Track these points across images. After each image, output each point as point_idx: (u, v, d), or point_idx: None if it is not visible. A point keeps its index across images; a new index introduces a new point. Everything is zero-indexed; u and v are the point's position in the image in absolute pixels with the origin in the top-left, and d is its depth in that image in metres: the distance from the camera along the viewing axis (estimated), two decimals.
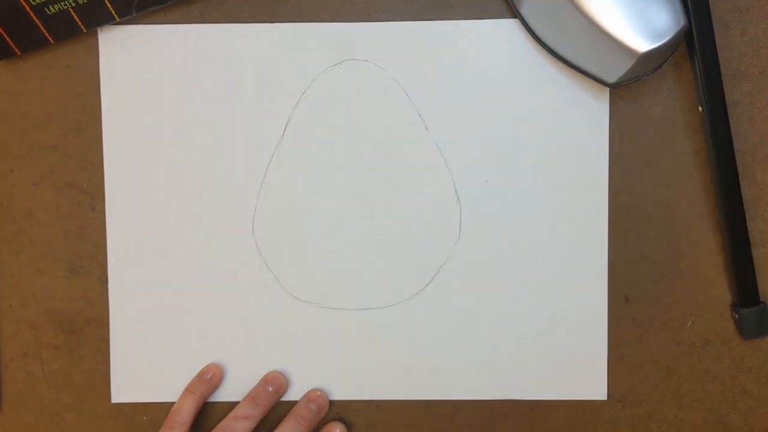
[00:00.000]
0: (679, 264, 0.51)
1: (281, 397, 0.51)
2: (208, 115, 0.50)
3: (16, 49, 0.49)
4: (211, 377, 0.51)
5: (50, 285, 0.51)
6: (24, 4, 0.47)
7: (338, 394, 0.51)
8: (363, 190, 0.50)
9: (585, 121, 0.50)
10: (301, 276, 0.51)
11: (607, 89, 0.50)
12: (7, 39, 0.48)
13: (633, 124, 0.50)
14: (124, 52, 0.50)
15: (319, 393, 0.51)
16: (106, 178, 0.51)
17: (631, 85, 0.48)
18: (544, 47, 0.49)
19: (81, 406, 0.52)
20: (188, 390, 0.50)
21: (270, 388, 0.50)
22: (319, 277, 0.51)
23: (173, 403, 0.50)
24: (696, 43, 0.47)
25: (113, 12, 0.48)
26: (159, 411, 0.51)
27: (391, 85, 0.50)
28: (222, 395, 0.51)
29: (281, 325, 0.51)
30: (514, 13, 0.49)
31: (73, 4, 0.47)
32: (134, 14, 0.49)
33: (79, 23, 0.48)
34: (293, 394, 0.51)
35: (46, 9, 0.47)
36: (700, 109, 0.48)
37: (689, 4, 0.46)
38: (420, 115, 0.50)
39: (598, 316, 0.51)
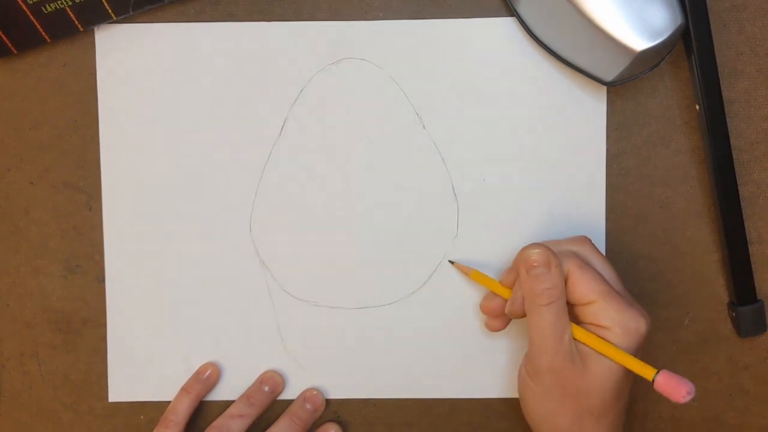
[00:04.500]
0: (676, 262, 0.51)
1: (277, 396, 0.51)
2: (204, 113, 0.50)
3: (13, 48, 0.49)
4: (207, 376, 0.51)
5: (47, 284, 0.51)
6: (21, 2, 0.46)
7: (335, 392, 0.51)
8: (360, 189, 0.50)
9: (582, 120, 0.50)
10: (298, 274, 0.51)
11: (605, 87, 0.50)
12: (4, 38, 0.48)
13: (630, 122, 0.50)
14: (121, 50, 0.50)
15: (315, 392, 0.51)
16: (103, 177, 0.51)
17: (628, 83, 0.48)
18: (541, 46, 0.49)
19: (78, 405, 0.52)
20: (184, 389, 0.50)
21: (266, 388, 0.50)
22: (315, 276, 0.51)
23: (170, 402, 0.50)
24: (693, 42, 0.47)
25: (110, 11, 0.48)
26: (156, 410, 0.51)
27: (388, 83, 0.50)
28: (218, 394, 0.51)
29: (278, 324, 0.51)
30: (512, 11, 0.49)
31: (70, 3, 0.47)
32: (131, 13, 0.49)
33: (76, 22, 0.48)
34: (290, 393, 0.51)
35: (43, 8, 0.47)
36: (697, 107, 0.48)
37: (686, 2, 0.46)
38: (417, 114, 0.50)
39: None
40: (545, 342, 0.43)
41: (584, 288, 0.43)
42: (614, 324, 0.42)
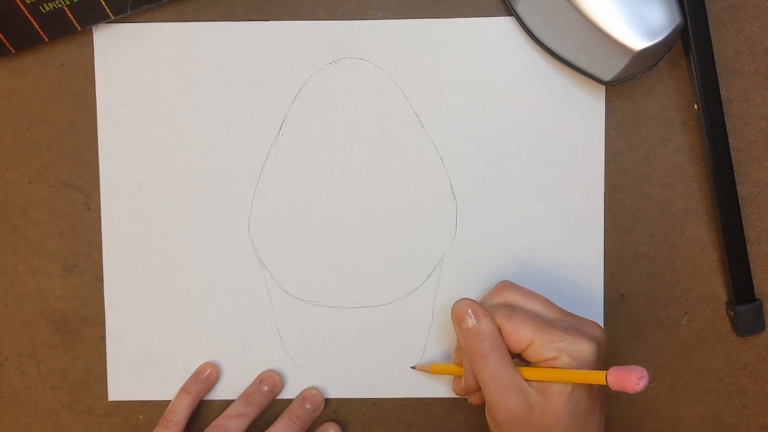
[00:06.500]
0: (675, 261, 0.51)
1: (276, 396, 0.51)
2: (203, 113, 0.50)
3: (11, 48, 0.48)
4: (206, 376, 0.51)
5: (45, 284, 0.51)
6: (19, 2, 0.46)
7: (334, 392, 0.51)
8: (359, 188, 0.50)
9: (581, 119, 0.50)
10: (297, 274, 0.51)
11: (603, 87, 0.50)
12: (2, 37, 0.48)
13: (628, 121, 0.50)
14: (119, 50, 0.50)
15: (314, 392, 0.51)
16: (101, 177, 0.51)
17: (626, 82, 0.48)
18: (539, 45, 0.49)
19: (77, 405, 0.52)
20: (183, 389, 0.50)
21: (264, 388, 0.50)
22: (314, 275, 0.51)
23: (170, 401, 0.50)
24: (691, 41, 0.47)
25: (108, 10, 0.48)
26: (155, 409, 0.51)
27: (386, 83, 0.50)
28: (217, 393, 0.51)
29: (277, 324, 0.51)
30: (510, 11, 0.49)
31: (68, 3, 0.47)
32: (129, 12, 0.48)
33: (74, 21, 0.48)
34: (289, 393, 0.51)
35: (41, 7, 0.47)
36: (695, 106, 0.48)
37: (685, 1, 0.46)
38: (416, 113, 0.50)
39: (594, 314, 0.51)
40: (495, 396, 0.42)
41: (518, 334, 0.43)
42: (559, 352, 0.42)
